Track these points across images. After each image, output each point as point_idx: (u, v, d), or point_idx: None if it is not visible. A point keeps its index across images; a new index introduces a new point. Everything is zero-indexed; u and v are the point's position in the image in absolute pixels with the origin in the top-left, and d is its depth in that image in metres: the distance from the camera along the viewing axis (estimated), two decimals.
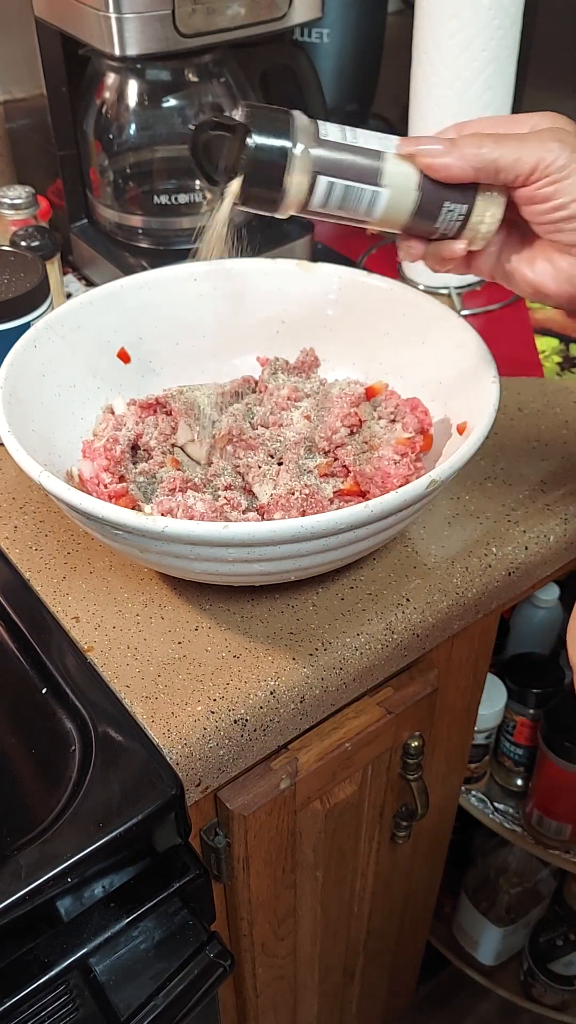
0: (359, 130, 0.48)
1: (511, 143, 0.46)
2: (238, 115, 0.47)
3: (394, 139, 0.48)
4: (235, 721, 0.53)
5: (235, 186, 0.47)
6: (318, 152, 0.47)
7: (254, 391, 0.70)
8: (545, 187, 0.46)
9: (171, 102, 0.84)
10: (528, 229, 0.50)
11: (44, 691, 0.55)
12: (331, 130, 0.48)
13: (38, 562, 0.63)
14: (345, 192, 0.48)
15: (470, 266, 0.53)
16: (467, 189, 0.48)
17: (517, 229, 0.51)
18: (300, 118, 0.47)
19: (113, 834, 0.48)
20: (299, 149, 0.46)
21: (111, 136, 0.85)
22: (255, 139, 0.46)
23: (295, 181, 0.47)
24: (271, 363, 0.70)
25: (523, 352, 0.83)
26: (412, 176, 0.48)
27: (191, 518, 0.55)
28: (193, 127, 0.48)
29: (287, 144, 0.46)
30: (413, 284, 0.91)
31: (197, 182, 0.88)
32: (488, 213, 0.49)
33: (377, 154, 0.48)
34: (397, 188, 0.48)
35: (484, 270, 0.53)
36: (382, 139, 0.48)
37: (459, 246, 0.50)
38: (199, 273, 0.70)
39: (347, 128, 0.48)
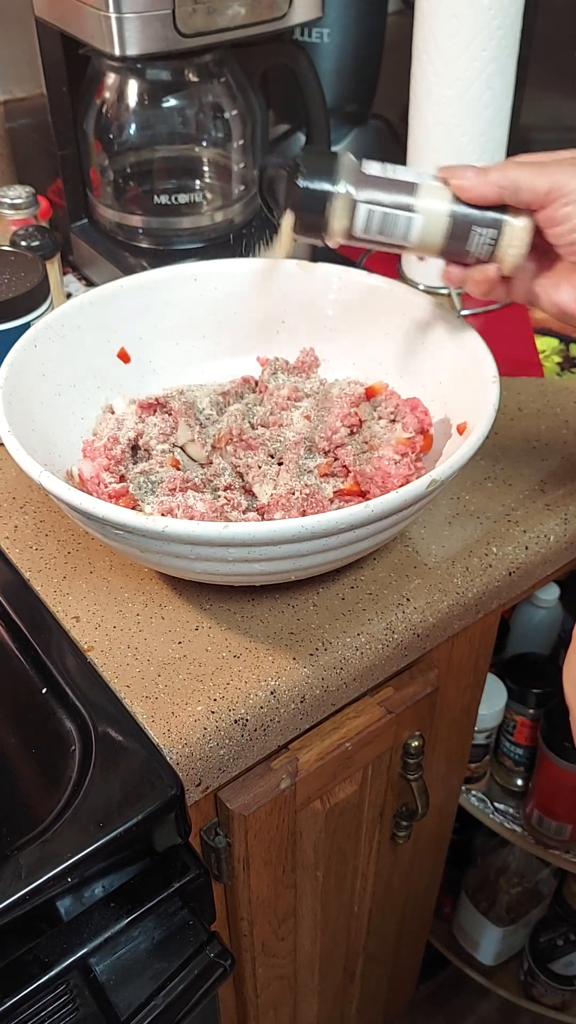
0: (399, 166, 0.55)
1: (533, 168, 0.50)
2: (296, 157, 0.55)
3: (431, 171, 0.55)
4: (235, 721, 0.53)
5: (288, 220, 0.56)
6: (358, 187, 0.54)
7: (254, 391, 0.70)
8: (561, 208, 0.50)
9: (171, 102, 0.84)
10: (554, 254, 0.54)
11: (44, 691, 0.55)
12: (372, 166, 0.54)
13: (38, 562, 0.63)
14: (383, 219, 0.54)
15: (510, 291, 0.57)
16: (495, 214, 0.53)
17: (546, 255, 0.55)
18: (345, 158, 0.54)
19: (113, 834, 0.48)
20: (340, 187, 0.54)
21: (111, 136, 0.85)
22: (302, 181, 0.54)
23: (337, 215, 0.54)
24: (271, 363, 0.70)
25: (523, 352, 0.83)
26: (444, 204, 0.53)
27: (191, 518, 0.55)
28: (259, 171, 0.60)
29: (329, 186, 0.54)
30: (413, 284, 0.91)
31: (197, 182, 0.88)
32: (515, 237, 0.53)
33: (412, 185, 0.54)
34: (430, 214, 0.54)
35: (520, 294, 0.57)
36: (419, 173, 0.55)
37: (491, 269, 0.54)
38: (199, 273, 0.70)
39: (388, 164, 0.55)
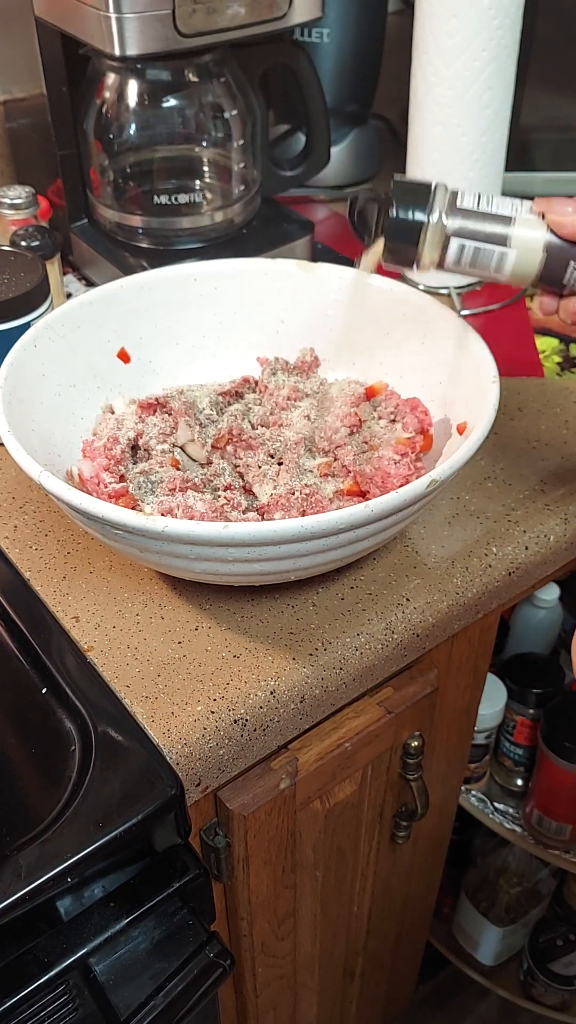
0: (496, 197, 0.55)
1: None
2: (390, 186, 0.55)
3: (527, 203, 0.54)
4: (235, 721, 0.53)
5: (378, 247, 0.56)
6: (451, 218, 0.54)
7: (254, 391, 0.70)
8: None
9: (171, 102, 0.84)
10: None
11: (44, 691, 0.55)
12: (467, 198, 0.54)
13: (38, 562, 0.63)
14: (475, 253, 0.54)
15: None
16: None
17: None
18: (439, 190, 0.54)
19: (113, 834, 0.48)
20: (433, 219, 0.54)
21: (111, 136, 0.85)
22: (395, 211, 0.54)
23: (427, 247, 0.54)
24: (271, 363, 0.70)
25: (523, 352, 0.83)
26: (539, 238, 0.53)
27: (191, 518, 0.55)
28: (351, 200, 0.59)
29: (422, 217, 0.54)
30: (413, 284, 0.91)
31: (197, 182, 0.88)
32: None
33: (507, 219, 0.54)
34: (524, 248, 0.53)
35: None
36: (515, 204, 0.54)
37: None
38: (199, 273, 0.70)
39: (483, 195, 0.54)
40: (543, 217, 0.53)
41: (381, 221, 0.55)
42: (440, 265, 0.55)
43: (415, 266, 0.55)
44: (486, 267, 0.55)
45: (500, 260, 0.54)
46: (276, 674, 0.55)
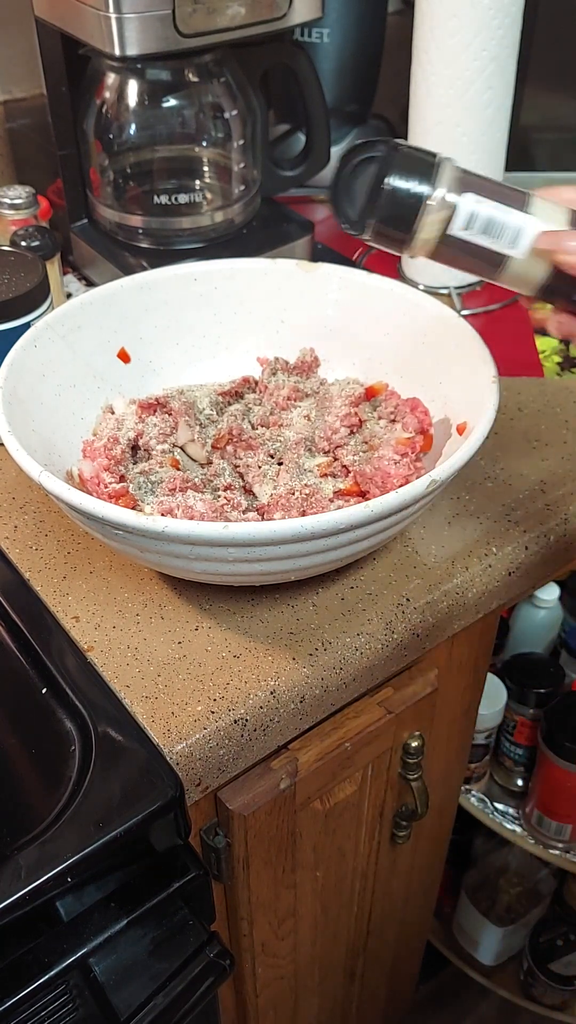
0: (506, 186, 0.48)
1: None
2: (383, 149, 0.47)
3: (531, 221, 0.47)
4: (235, 721, 0.53)
5: (368, 229, 0.48)
6: (462, 187, 0.47)
7: (254, 391, 0.70)
8: None
9: (171, 102, 0.84)
10: None
11: (44, 691, 0.55)
12: (477, 174, 0.48)
13: (38, 562, 0.63)
14: (488, 222, 0.47)
15: None
16: None
17: None
18: (448, 162, 0.47)
19: (113, 834, 0.48)
20: (437, 192, 0.46)
21: (111, 136, 0.85)
22: (393, 180, 0.46)
23: (428, 221, 0.47)
24: (271, 363, 0.70)
25: (523, 352, 0.83)
26: (559, 223, 0.47)
27: (191, 518, 0.55)
28: (339, 162, 0.49)
29: (425, 190, 0.46)
30: (413, 284, 0.91)
31: (197, 182, 0.88)
32: None
33: (523, 201, 0.47)
34: (543, 228, 0.47)
35: None
36: (523, 217, 0.48)
37: None
38: (199, 273, 0.70)
39: (484, 197, 0.48)
40: (547, 257, 0.47)
41: (373, 190, 0.47)
42: (435, 249, 0.49)
43: (406, 247, 0.48)
44: (501, 238, 0.47)
45: (515, 234, 0.47)
46: (276, 674, 0.55)
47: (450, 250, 0.48)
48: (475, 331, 0.62)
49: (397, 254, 0.50)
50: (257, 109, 0.88)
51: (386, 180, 0.46)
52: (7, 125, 0.96)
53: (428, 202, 0.46)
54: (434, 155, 0.48)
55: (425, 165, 0.47)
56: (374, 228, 0.48)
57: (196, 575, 0.54)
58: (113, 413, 0.67)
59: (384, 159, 0.47)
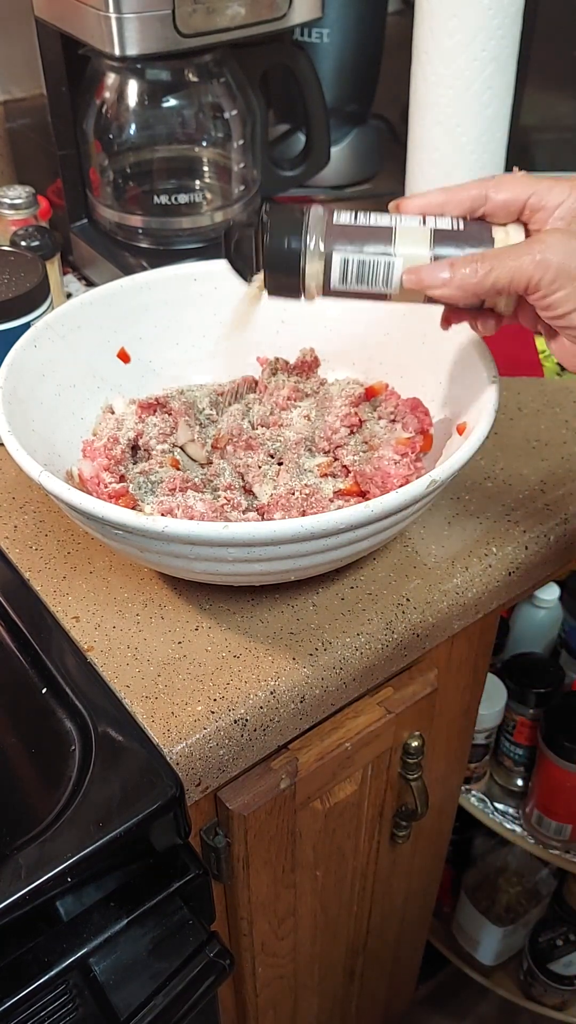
0: (373, 213, 0.51)
1: (507, 260, 0.47)
2: (262, 214, 0.52)
3: (398, 259, 0.50)
4: (235, 721, 0.53)
5: (259, 280, 0.53)
6: (330, 240, 0.50)
7: (254, 391, 0.70)
8: (541, 300, 0.48)
9: (171, 102, 0.84)
10: None
11: (44, 691, 0.55)
12: (343, 215, 0.51)
13: (38, 562, 0.63)
14: (360, 268, 0.51)
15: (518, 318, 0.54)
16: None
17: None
18: (313, 211, 0.51)
19: (113, 834, 0.48)
20: (311, 241, 0.50)
21: (111, 136, 0.85)
22: (269, 240, 0.51)
23: (310, 271, 0.51)
24: (271, 363, 0.70)
25: (523, 352, 0.83)
26: (424, 249, 0.50)
27: (191, 518, 0.55)
28: (225, 232, 0.54)
29: (297, 245, 0.50)
30: None
31: (197, 182, 0.88)
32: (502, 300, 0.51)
33: (388, 230, 0.50)
34: (411, 259, 0.50)
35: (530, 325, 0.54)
36: (394, 218, 0.51)
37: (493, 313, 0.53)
38: (199, 273, 0.70)
39: (360, 212, 0.51)
40: (417, 288, 0.50)
41: (259, 253, 0.52)
42: (327, 291, 0.52)
43: (302, 295, 0.53)
44: (374, 283, 0.51)
45: (388, 273, 0.50)
46: (276, 674, 0.55)
47: (340, 294, 0.52)
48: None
49: (295, 300, 0.54)
50: (257, 109, 0.88)
51: (264, 241, 0.51)
52: (7, 125, 0.96)
53: (306, 253, 0.51)
54: (302, 210, 0.51)
55: (294, 221, 0.51)
56: (270, 285, 0.53)
57: (196, 575, 0.54)
58: (113, 413, 0.67)
59: (260, 225, 0.51)
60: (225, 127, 0.86)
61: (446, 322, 0.56)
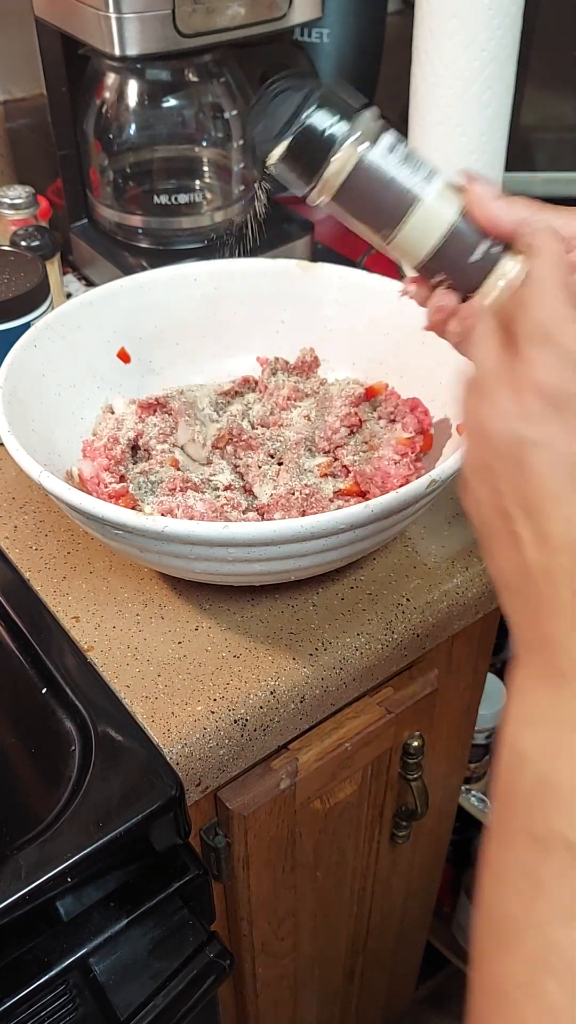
0: (423, 159, 0.48)
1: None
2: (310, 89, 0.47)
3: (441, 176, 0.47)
4: (235, 721, 0.53)
5: (278, 151, 0.47)
6: (373, 147, 0.46)
7: (254, 391, 0.70)
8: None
9: (171, 102, 0.84)
10: None
11: (44, 691, 0.55)
12: (400, 145, 0.47)
13: (38, 562, 0.63)
14: (382, 189, 0.47)
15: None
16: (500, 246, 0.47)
17: None
18: (373, 112, 0.47)
19: (113, 834, 0.48)
20: (356, 135, 0.46)
21: (111, 136, 0.85)
22: (313, 114, 0.46)
23: (337, 161, 0.46)
24: (271, 363, 0.70)
25: None
26: (449, 215, 0.47)
27: (191, 518, 0.55)
28: (268, 81, 0.49)
29: (345, 127, 0.46)
30: None
31: (197, 182, 0.88)
32: (514, 271, 0.47)
33: (428, 175, 0.47)
34: (431, 211, 0.47)
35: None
36: (437, 173, 0.48)
37: (475, 302, 0.49)
38: (199, 273, 0.70)
39: (411, 151, 0.48)
40: (462, 192, 0.47)
41: (293, 120, 0.47)
42: (338, 193, 0.47)
43: (312, 184, 0.47)
44: (383, 210, 0.47)
45: (404, 207, 0.46)
46: (276, 674, 0.55)
47: (356, 192, 0.47)
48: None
49: (299, 195, 0.48)
50: None
51: (308, 108, 0.46)
52: (7, 125, 0.96)
53: (345, 140, 0.46)
54: (362, 102, 0.47)
55: (348, 106, 0.47)
56: (287, 149, 0.47)
57: (196, 575, 0.54)
58: (113, 413, 0.67)
59: (310, 92, 0.47)
60: (225, 127, 0.86)
61: (439, 310, 0.51)
